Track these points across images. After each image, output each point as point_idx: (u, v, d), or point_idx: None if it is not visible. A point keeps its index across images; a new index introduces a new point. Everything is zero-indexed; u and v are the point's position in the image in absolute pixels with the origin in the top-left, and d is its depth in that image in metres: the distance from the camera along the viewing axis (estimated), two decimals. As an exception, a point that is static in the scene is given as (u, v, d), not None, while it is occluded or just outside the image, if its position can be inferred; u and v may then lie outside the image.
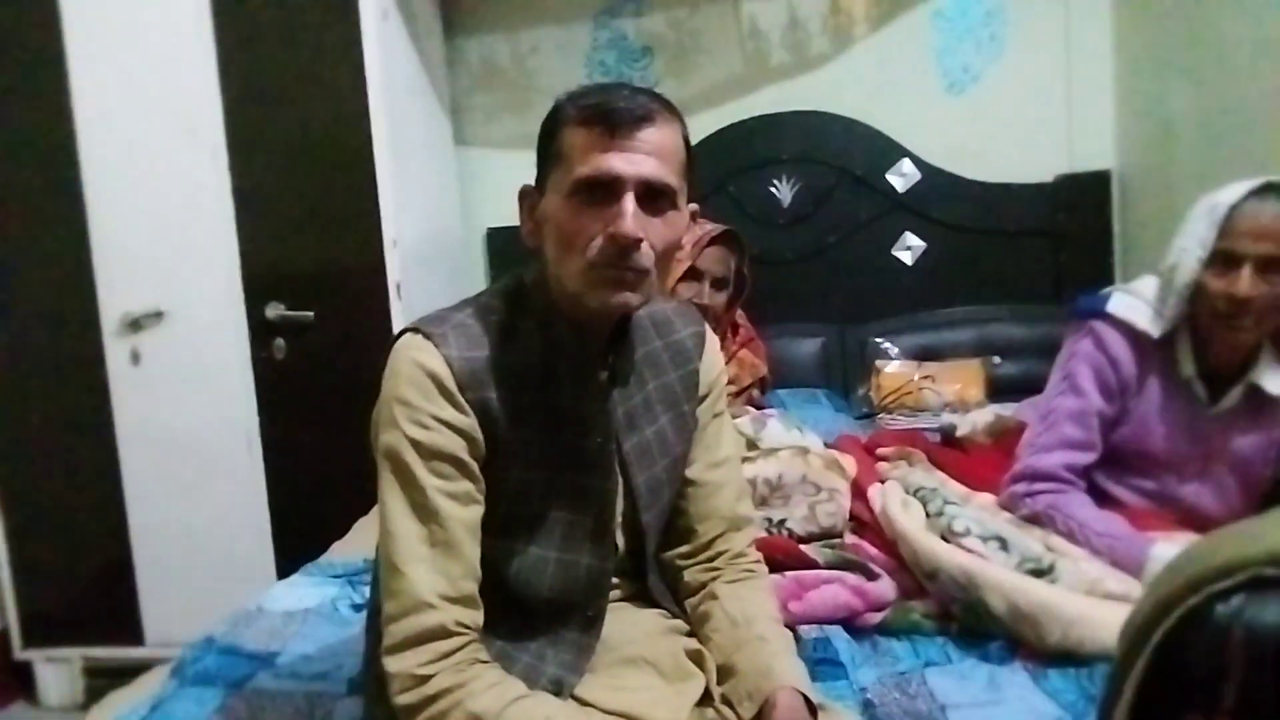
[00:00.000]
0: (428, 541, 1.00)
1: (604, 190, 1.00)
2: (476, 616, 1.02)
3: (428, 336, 1.04)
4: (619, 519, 1.15)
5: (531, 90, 3.06)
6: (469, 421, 1.03)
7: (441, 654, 0.98)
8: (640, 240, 1.00)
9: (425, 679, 0.97)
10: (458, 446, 1.02)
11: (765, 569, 1.27)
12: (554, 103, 1.07)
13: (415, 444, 1.01)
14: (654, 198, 1.02)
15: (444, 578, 1.00)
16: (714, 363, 1.26)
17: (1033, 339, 2.75)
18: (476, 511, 1.04)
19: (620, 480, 1.14)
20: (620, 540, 1.16)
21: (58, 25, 2.46)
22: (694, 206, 1.12)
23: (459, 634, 1.00)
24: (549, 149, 1.05)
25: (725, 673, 1.12)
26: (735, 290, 2.19)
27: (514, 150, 3.02)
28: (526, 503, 1.08)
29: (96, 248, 2.54)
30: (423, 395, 1.01)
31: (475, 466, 1.04)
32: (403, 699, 0.97)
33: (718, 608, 1.17)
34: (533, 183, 1.09)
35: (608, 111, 1.00)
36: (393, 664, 0.98)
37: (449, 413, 1.02)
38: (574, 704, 1.06)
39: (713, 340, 1.27)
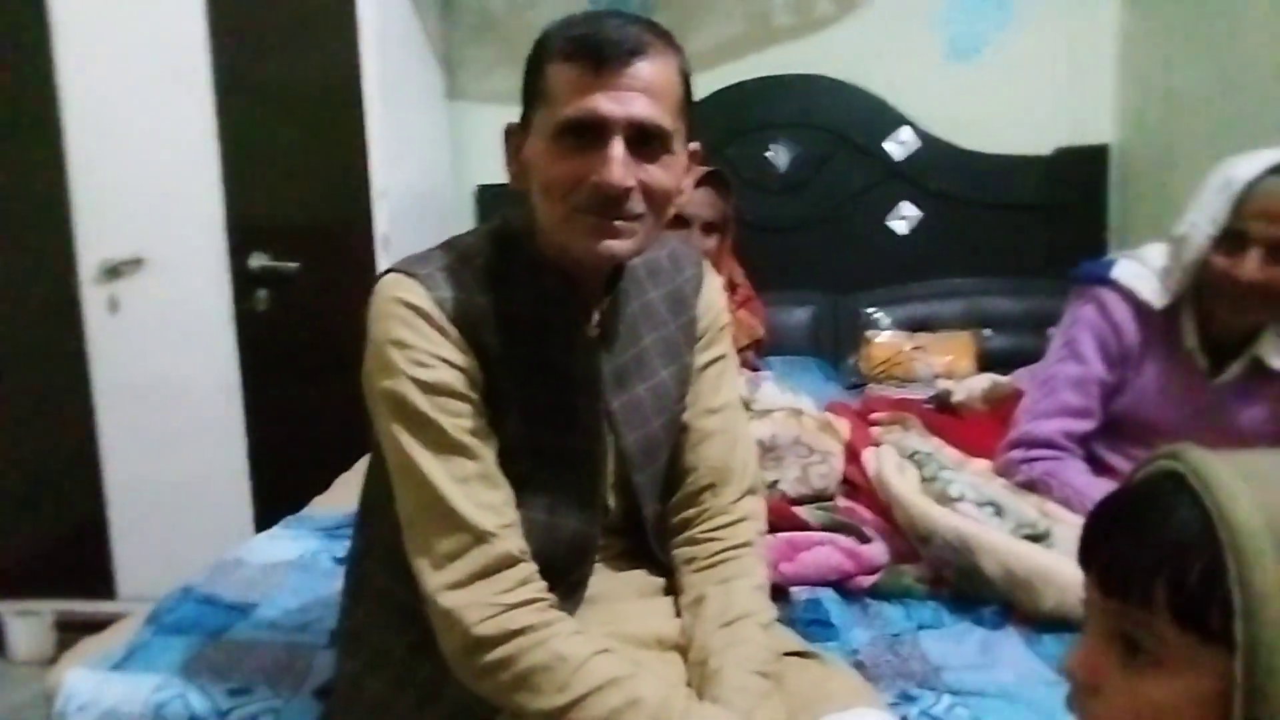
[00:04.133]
0: (460, 477, 0.96)
1: (591, 133, 0.93)
2: (526, 545, 0.98)
3: (413, 276, 0.98)
4: (610, 480, 1.10)
5: (529, 44, 2.97)
6: (469, 360, 0.98)
7: (518, 581, 0.94)
8: (629, 189, 0.93)
9: (507, 608, 0.92)
10: (462, 383, 0.97)
11: (755, 535, 1.15)
12: (540, 33, 0.99)
13: (420, 384, 0.95)
14: (646, 140, 0.94)
15: (490, 509, 0.96)
16: (711, 303, 1.19)
17: (1024, 312, 2.74)
18: (495, 444, 1.00)
19: (612, 440, 1.09)
20: (611, 501, 1.12)
21: (37, -41, 2.38)
22: (694, 146, 1.04)
23: (525, 561, 0.96)
24: (533, 86, 0.98)
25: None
26: (724, 232, 2.15)
27: (508, 106, 2.88)
28: (514, 462, 1.02)
29: (75, 192, 2.48)
30: (418, 334, 0.96)
31: (481, 404, 0.99)
32: (481, 629, 0.91)
33: (686, 615, 1.08)
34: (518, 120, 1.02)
35: (595, 45, 0.92)
36: (460, 597, 0.93)
37: (448, 350, 0.97)
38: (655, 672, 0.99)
39: (712, 280, 1.21)
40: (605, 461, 1.08)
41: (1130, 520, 0.62)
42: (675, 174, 0.99)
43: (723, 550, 1.11)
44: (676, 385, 1.13)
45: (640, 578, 1.16)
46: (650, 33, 0.96)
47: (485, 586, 0.93)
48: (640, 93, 0.93)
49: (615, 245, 0.96)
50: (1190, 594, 0.57)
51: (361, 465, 1.19)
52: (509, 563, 0.95)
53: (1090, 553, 0.64)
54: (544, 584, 0.98)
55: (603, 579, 1.12)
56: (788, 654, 1.08)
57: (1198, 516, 0.58)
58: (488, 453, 0.98)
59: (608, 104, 0.92)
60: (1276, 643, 0.54)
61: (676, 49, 0.99)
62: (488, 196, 3.08)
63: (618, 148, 0.92)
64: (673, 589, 1.15)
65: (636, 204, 0.95)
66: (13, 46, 2.44)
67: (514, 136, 1.03)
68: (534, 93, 0.98)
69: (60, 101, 2.44)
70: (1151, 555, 0.59)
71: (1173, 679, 0.58)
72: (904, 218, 2.96)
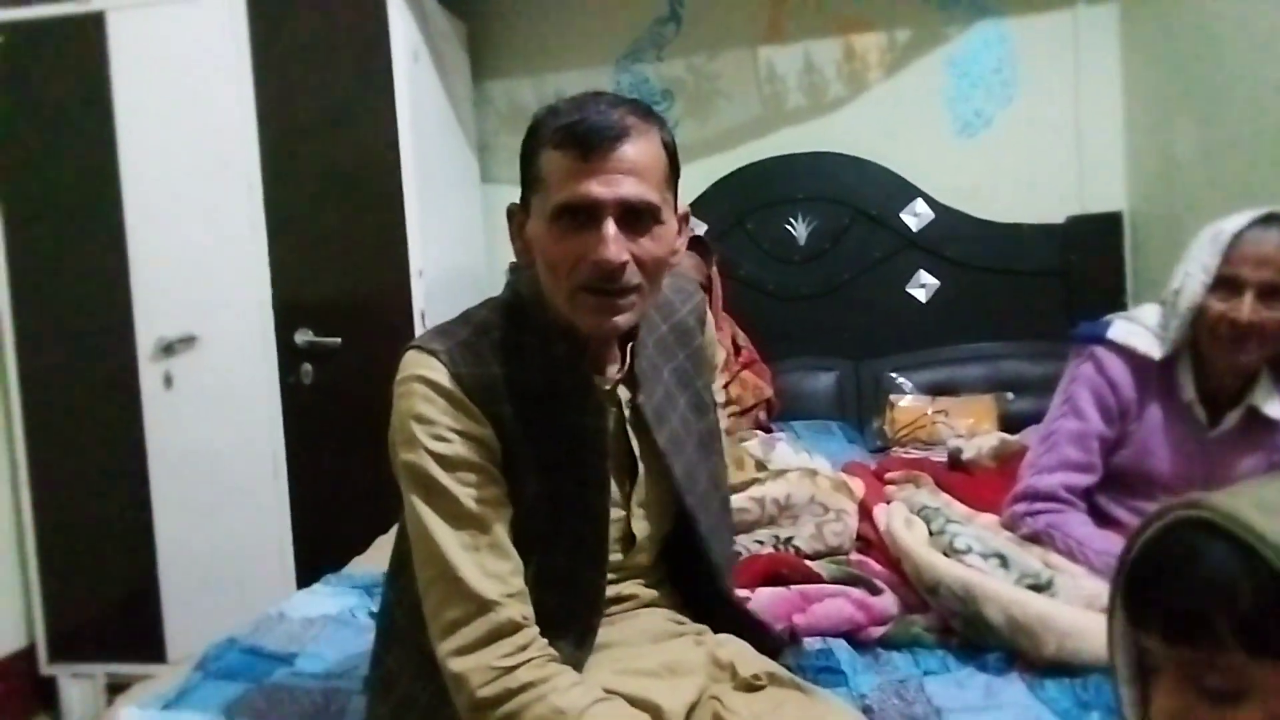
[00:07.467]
0: (472, 546, 1.02)
1: (584, 214, 0.99)
2: (531, 611, 1.04)
3: (433, 354, 1.05)
4: (645, 530, 1.17)
5: (555, 130, 3.15)
6: (486, 432, 1.05)
7: (519, 646, 1.00)
8: (625, 264, 0.99)
9: (508, 670, 0.99)
10: (479, 455, 1.04)
11: None
12: (532, 119, 1.06)
13: (439, 458, 1.02)
14: (636, 217, 1.01)
15: (497, 578, 1.02)
16: (711, 334, 1.28)
17: (1045, 376, 2.72)
18: (507, 514, 1.06)
19: (639, 483, 1.15)
20: (646, 548, 1.19)
21: (105, 64, 2.60)
22: (684, 209, 1.11)
23: (528, 627, 1.02)
24: (529, 171, 1.05)
25: None
26: (709, 292, 2.33)
27: (537, 187, 3.11)
28: (535, 518, 1.08)
29: (134, 274, 2.66)
30: (438, 410, 1.03)
31: (498, 473, 1.06)
32: (483, 692, 0.98)
33: None
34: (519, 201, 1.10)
35: (582, 134, 0.98)
36: (465, 662, 0.99)
37: (465, 424, 1.04)
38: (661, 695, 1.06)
39: (708, 306, 1.30)
40: (608, 514, 1.13)
41: (1178, 571, 0.66)
42: (666, 242, 1.06)
43: None
44: (693, 411, 1.21)
45: (656, 624, 1.21)
46: (633, 114, 1.02)
47: (488, 653, 0.99)
48: (626, 174, 0.99)
49: (618, 320, 1.04)
50: (1251, 621, 0.61)
51: (398, 526, 1.28)
52: (511, 629, 1.01)
53: (1146, 610, 0.68)
54: (545, 643, 1.03)
55: (619, 628, 1.17)
56: (790, 688, 1.13)
57: (1235, 551, 0.63)
58: (500, 523, 1.05)
59: (598, 188, 0.99)
60: None
61: (659, 122, 1.06)
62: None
63: (610, 227, 0.99)
64: (696, 631, 1.21)
65: (633, 276, 1.02)
66: (80, 141, 2.64)
67: (516, 216, 1.11)
68: (530, 178, 1.06)
69: (122, 191, 2.63)
70: (1206, 597, 0.63)
71: (1260, 706, 0.62)
72: (923, 285, 3.04)
